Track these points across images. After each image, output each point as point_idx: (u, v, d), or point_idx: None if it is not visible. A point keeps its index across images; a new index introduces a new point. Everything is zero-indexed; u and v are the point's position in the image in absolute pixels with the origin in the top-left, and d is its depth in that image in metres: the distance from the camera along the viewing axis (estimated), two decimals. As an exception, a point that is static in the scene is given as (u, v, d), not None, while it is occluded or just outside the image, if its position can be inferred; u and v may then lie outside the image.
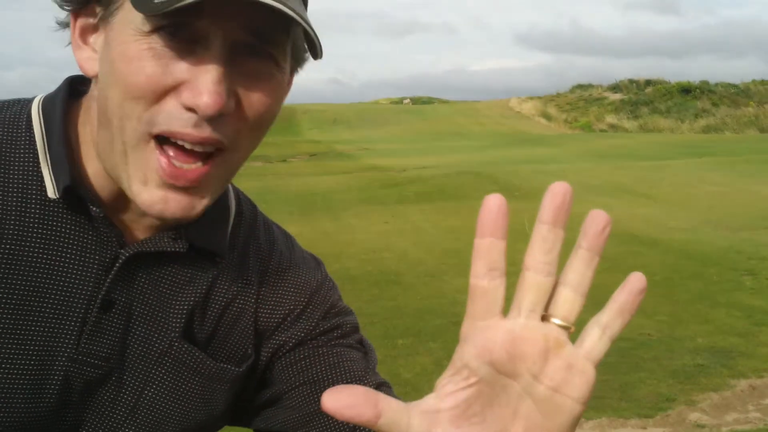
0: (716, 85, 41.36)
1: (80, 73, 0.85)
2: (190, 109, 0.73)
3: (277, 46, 0.77)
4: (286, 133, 38.22)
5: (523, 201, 13.81)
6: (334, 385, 0.86)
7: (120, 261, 0.82)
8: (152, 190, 0.75)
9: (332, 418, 0.74)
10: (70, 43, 0.83)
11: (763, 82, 41.19)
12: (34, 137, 0.82)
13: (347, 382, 0.95)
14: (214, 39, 0.73)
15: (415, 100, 62.96)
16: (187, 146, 0.74)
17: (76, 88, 0.88)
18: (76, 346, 0.80)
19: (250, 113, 0.77)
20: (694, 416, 4.63)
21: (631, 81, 44.84)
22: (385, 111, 49.46)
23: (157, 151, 0.74)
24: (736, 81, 41.97)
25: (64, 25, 0.83)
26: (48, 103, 0.85)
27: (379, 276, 8.37)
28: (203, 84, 0.72)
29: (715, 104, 38.75)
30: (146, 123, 0.74)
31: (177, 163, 0.74)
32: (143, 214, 0.81)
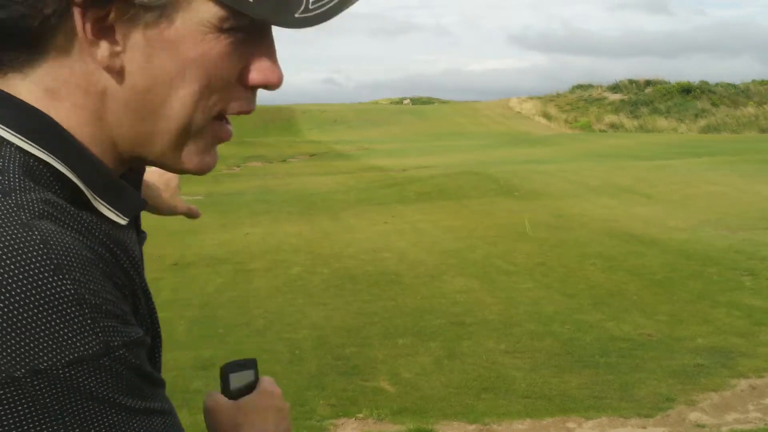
0: (716, 85, 41.35)
1: None
2: (253, 87, 0.81)
3: None
4: (285, 134, 38.22)
5: (523, 201, 13.82)
6: None
7: (140, 233, 0.91)
8: (211, 153, 0.84)
9: None
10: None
11: (762, 82, 41.19)
12: (62, 177, 0.75)
13: None
14: (266, 30, 0.81)
15: (415, 100, 62.91)
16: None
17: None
18: (150, 319, 0.88)
19: None
20: (694, 416, 4.63)
21: (630, 81, 44.83)
22: (384, 111, 49.45)
23: (218, 124, 0.82)
24: (735, 81, 42.02)
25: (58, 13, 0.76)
26: (31, 130, 0.75)
27: (379, 276, 8.37)
28: (270, 62, 0.81)
29: (714, 104, 38.75)
30: (219, 110, 0.81)
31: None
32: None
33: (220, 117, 0.82)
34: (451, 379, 5.26)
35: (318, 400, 4.92)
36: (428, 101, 62.11)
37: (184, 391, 5.02)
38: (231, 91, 0.80)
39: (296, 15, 0.75)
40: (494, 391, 5.05)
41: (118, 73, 0.79)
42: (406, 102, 61.94)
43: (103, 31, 0.78)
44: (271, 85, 0.82)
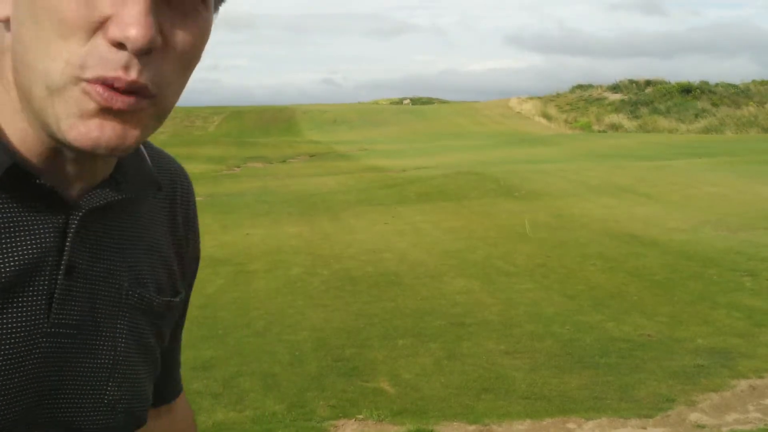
0: (716, 85, 41.36)
1: None
2: (119, 45, 0.68)
3: None
4: (285, 134, 38.23)
5: (523, 201, 13.82)
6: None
7: (75, 223, 0.79)
8: (87, 120, 0.70)
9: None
10: None
11: (763, 82, 41.18)
12: None
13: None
14: None
15: (415, 101, 62.94)
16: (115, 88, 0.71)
17: None
18: (47, 320, 0.78)
19: (176, 53, 0.72)
20: (694, 416, 4.63)
21: (631, 81, 44.83)
22: (384, 111, 49.46)
23: (90, 86, 0.69)
24: (735, 81, 42.02)
25: None
26: None
27: (379, 277, 8.37)
28: (130, 15, 0.67)
29: (715, 104, 38.75)
30: (77, 67, 0.69)
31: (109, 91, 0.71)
32: (78, 174, 0.79)
33: (102, 81, 0.69)
34: (451, 379, 5.27)
35: (318, 401, 4.92)
36: (428, 101, 62.13)
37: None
38: (92, 46, 0.68)
39: None
40: (494, 391, 5.06)
41: (7, 22, 0.74)
42: (406, 102, 61.97)
43: None
44: (125, 42, 0.67)
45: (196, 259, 1.02)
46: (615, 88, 45.39)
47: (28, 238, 0.77)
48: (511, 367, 5.49)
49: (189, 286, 1.00)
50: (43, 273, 0.78)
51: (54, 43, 0.68)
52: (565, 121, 41.81)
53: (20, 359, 0.76)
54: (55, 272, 0.78)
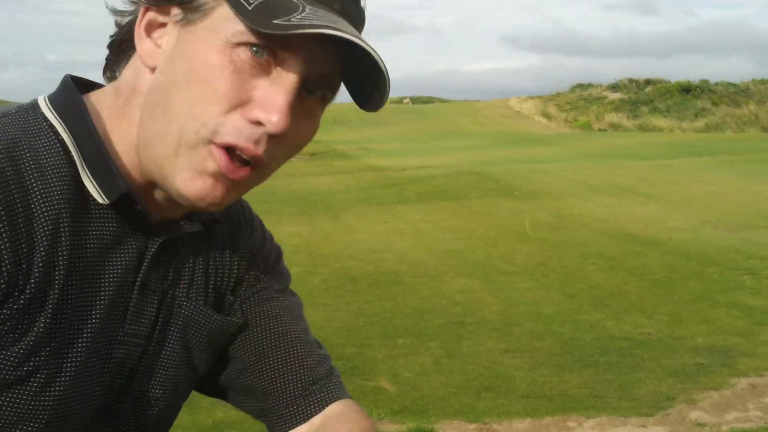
0: (716, 84, 41.36)
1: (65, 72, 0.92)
2: (257, 123, 0.80)
3: (333, 91, 0.87)
4: (285, 133, 38.19)
5: (523, 201, 13.82)
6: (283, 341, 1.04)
7: (153, 248, 0.91)
8: (205, 177, 0.82)
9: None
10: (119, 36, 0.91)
11: (763, 81, 41.18)
12: (65, 143, 0.86)
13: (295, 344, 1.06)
14: (290, 68, 0.81)
15: (415, 100, 62.94)
16: (236, 154, 0.83)
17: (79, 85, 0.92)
18: (122, 329, 0.89)
19: (292, 143, 0.86)
20: (695, 415, 4.63)
21: (630, 80, 44.84)
22: (384, 111, 49.16)
23: (217, 151, 0.81)
24: (735, 80, 42.01)
25: (120, 12, 0.90)
26: (61, 105, 0.88)
27: (379, 276, 8.37)
28: (277, 104, 0.80)
29: (714, 103, 38.74)
30: (211, 131, 0.80)
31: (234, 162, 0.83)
32: (165, 206, 0.90)
33: (228, 149, 0.81)
34: (451, 378, 5.27)
35: (318, 400, 4.91)
36: (428, 100, 62.15)
37: (184, 391, 5.02)
38: (230, 117, 0.80)
39: (275, 21, 0.77)
40: (494, 390, 5.06)
41: (152, 70, 0.85)
42: (406, 101, 61.94)
43: (150, 28, 0.87)
44: (267, 125, 0.80)
45: (268, 274, 1.12)
46: (615, 87, 45.40)
47: (118, 256, 0.89)
48: (511, 366, 5.49)
49: (264, 301, 1.07)
50: (124, 288, 0.89)
51: (198, 105, 0.80)
52: (565, 120, 41.81)
53: (103, 363, 0.88)
54: (131, 288, 0.90)
